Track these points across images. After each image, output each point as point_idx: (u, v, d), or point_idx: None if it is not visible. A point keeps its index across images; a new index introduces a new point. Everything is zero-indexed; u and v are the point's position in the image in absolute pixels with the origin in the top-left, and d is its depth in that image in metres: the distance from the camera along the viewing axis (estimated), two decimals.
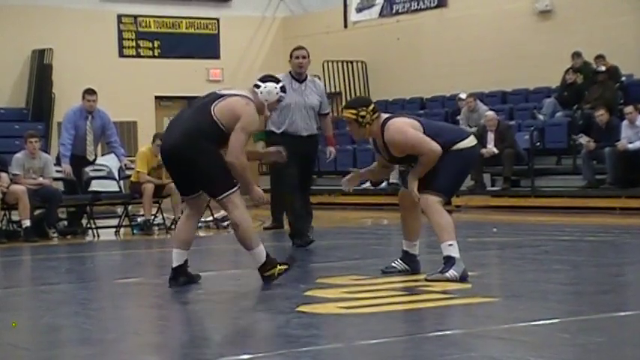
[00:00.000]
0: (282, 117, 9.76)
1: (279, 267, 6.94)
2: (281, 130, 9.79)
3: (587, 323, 5.25)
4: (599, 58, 16.79)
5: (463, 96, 18.29)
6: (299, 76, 9.93)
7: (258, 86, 7.11)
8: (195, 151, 6.86)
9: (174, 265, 7.08)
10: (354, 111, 7.04)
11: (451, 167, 7.00)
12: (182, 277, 7.10)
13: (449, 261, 6.86)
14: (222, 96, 7.00)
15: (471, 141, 7.21)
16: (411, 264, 7.34)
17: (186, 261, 7.14)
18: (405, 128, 6.98)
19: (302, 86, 9.89)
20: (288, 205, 10.11)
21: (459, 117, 17.81)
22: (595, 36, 17.57)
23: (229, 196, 6.89)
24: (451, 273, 6.79)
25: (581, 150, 15.63)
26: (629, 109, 15.04)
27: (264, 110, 7.13)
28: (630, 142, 14.69)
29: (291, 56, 10.11)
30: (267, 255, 6.98)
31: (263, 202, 7.32)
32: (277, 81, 7.17)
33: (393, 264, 7.39)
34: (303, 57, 10.00)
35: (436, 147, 6.91)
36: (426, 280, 6.85)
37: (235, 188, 6.92)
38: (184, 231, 7.16)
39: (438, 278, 6.81)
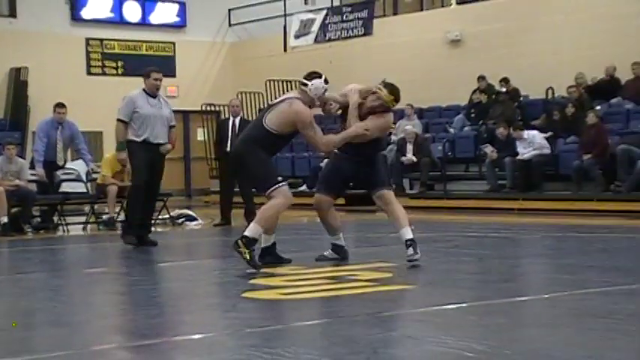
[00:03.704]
0: (143, 127, 9.47)
1: (250, 254, 6.88)
2: (142, 139, 9.48)
3: (491, 307, 5.30)
4: (504, 80, 17.02)
5: None
6: (153, 94, 9.71)
7: (305, 84, 7.14)
8: (247, 155, 7.09)
9: (262, 245, 7.27)
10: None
11: (384, 165, 7.65)
12: (268, 257, 7.29)
13: (414, 242, 7.18)
14: (270, 107, 7.19)
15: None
16: (340, 253, 7.55)
17: (274, 243, 7.37)
18: None
19: (156, 101, 9.75)
20: (135, 205, 9.72)
21: (394, 125, 17.75)
22: (497, 62, 17.81)
23: (274, 192, 7.02)
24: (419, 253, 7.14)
25: (485, 159, 15.82)
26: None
27: (315, 103, 7.22)
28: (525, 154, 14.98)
29: (148, 76, 9.75)
30: (255, 240, 6.97)
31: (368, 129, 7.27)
32: (320, 75, 7.24)
33: (325, 253, 7.53)
34: (160, 80, 9.78)
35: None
36: (408, 260, 7.09)
37: (278, 185, 7.04)
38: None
39: (416, 258, 7.11)
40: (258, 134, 7.12)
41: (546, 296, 5.77)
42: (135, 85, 23.64)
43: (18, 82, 20.28)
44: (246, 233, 6.93)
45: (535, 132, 15.17)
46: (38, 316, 5.48)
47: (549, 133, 15.33)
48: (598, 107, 15.37)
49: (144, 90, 9.73)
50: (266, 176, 7.12)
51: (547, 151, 15.02)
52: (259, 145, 7.08)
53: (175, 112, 23.76)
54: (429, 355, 4.09)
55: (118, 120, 9.62)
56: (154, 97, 9.69)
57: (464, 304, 5.35)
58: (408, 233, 7.28)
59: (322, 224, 7.61)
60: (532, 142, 14.99)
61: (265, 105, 21.24)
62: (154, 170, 9.65)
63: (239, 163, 7.22)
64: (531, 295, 5.95)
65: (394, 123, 17.80)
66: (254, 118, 14.46)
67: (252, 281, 6.46)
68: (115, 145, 10.06)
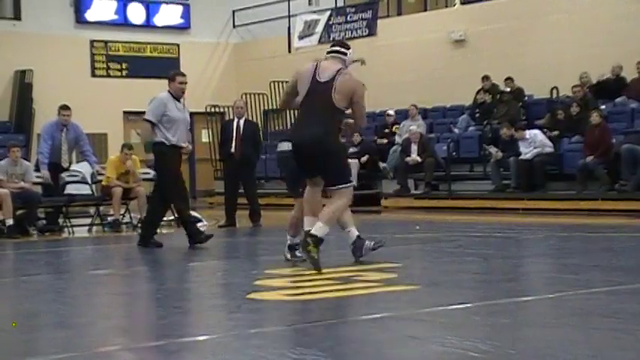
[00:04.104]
0: (173, 131, 9.45)
1: (317, 254, 6.77)
2: (171, 143, 9.45)
3: (495, 307, 5.29)
4: (508, 79, 17.03)
5: (391, 112, 18.40)
6: (178, 97, 9.66)
7: (345, 53, 7.11)
8: (330, 146, 6.94)
9: (306, 228, 7.03)
10: None
11: None
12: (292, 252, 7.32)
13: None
14: (330, 85, 6.91)
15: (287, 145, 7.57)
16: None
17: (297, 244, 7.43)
18: None
19: (180, 104, 9.73)
20: (184, 211, 9.73)
21: (398, 125, 17.83)
22: (501, 62, 17.81)
23: (342, 189, 6.97)
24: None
25: (490, 159, 15.81)
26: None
27: None
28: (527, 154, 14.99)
29: (173, 79, 9.62)
30: (322, 240, 6.85)
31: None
32: (350, 46, 7.29)
33: (290, 256, 7.60)
34: (186, 83, 9.71)
35: None
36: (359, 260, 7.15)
37: (348, 185, 7.01)
38: (312, 202, 7.16)
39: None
40: (333, 120, 6.91)
41: (551, 296, 5.77)
42: (139, 87, 23.80)
43: (23, 85, 20.33)
44: (314, 232, 6.79)
45: (536, 131, 15.17)
46: (43, 318, 5.48)
47: (555, 133, 15.33)
48: (602, 106, 15.35)
49: (170, 92, 9.66)
50: (346, 169, 7.13)
51: (549, 149, 15.01)
52: (338, 133, 7.02)
53: None
54: (434, 355, 4.09)
55: (146, 120, 9.53)
56: (179, 100, 9.67)
57: (468, 304, 5.35)
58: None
59: (298, 224, 7.53)
60: (534, 142, 14.99)
61: (266, 103, 21.31)
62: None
63: (318, 153, 6.89)
64: (536, 295, 5.94)
65: (399, 123, 17.93)
66: (255, 118, 14.41)
67: (256, 282, 6.46)
68: (112, 148, 10.07)
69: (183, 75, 9.77)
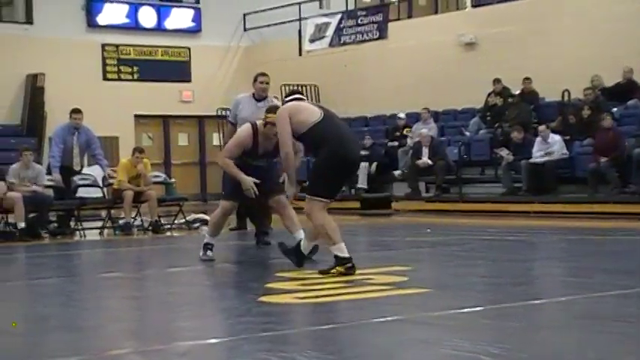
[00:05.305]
0: None
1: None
2: None
3: (504, 310, 5.29)
4: (527, 80, 16.95)
5: (402, 115, 18.38)
6: (260, 97, 9.85)
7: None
8: None
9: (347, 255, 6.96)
10: None
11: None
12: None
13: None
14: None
15: None
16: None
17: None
18: None
19: (262, 104, 9.79)
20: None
21: (409, 128, 17.86)
22: (512, 64, 17.76)
23: None
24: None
25: (501, 162, 15.77)
26: (541, 127, 15.28)
27: None
28: (538, 157, 14.95)
29: (255, 80, 9.94)
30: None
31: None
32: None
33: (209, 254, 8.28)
34: (267, 82, 9.87)
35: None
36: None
37: None
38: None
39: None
40: None
41: (561, 299, 5.76)
42: (150, 90, 23.78)
43: (34, 89, 20.41)
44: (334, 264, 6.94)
45: (558, 138, 15.07)
46: (53, 321, 5.49)
47: (566, 137, 15.27)
48: (614, 110, 15.30)
49: (253, 94, 9.80)
50: None
51: (564, 156, 14.94)
52: None
53: (191, 117, 23.86)
54: (445, 359, 4.08)
55: (228, 122, 10.04)
56: (261, 99, 9.73)
57: (478, 308, 5.35)
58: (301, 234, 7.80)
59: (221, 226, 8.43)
60: (550, 147, 14.92)
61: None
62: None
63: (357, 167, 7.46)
64: (546, 298, 5.92)
65: (410, 126, 17.93)
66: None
67: (268, 285, 6.46)
68: (123, 152, 10.13)
69: (265, 75, 9.94)
